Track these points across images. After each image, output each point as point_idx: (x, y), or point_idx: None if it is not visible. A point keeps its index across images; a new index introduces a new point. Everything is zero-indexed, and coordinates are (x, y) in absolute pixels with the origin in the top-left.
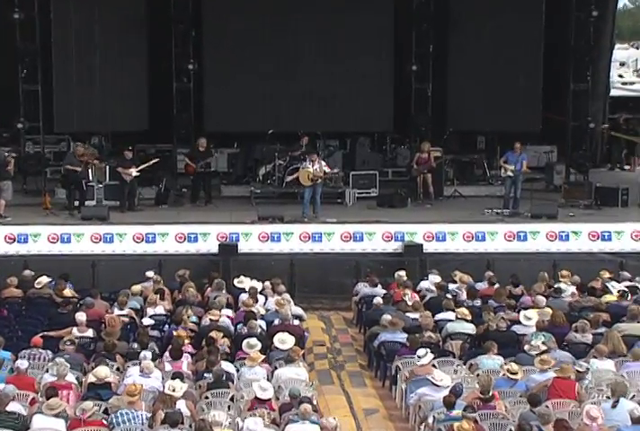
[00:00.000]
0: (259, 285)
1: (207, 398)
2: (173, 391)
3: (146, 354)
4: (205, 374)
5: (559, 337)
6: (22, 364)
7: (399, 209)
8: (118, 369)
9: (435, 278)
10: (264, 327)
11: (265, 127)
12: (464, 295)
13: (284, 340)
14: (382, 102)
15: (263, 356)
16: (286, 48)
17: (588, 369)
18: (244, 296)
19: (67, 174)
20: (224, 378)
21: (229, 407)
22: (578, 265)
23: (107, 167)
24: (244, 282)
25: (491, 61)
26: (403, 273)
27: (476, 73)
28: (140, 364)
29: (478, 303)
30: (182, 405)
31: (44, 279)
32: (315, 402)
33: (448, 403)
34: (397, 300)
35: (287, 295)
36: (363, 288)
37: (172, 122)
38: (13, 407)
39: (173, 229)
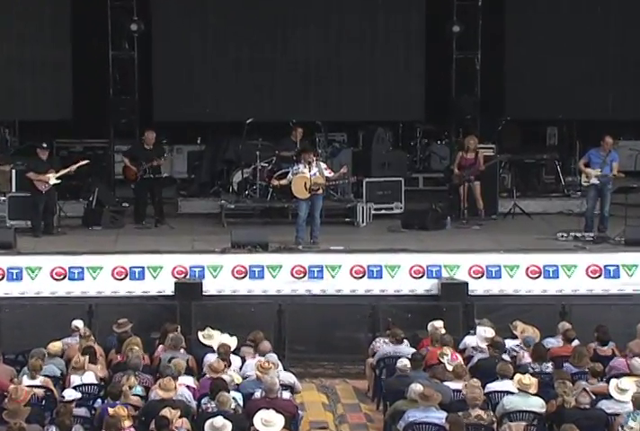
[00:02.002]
0: (233, 342)
1: None
2: None
3: None
4: None
5: None
6: None
7: (434, 233)
8: None
9: (486, 332)
10: (240, 401)
11: (242, 114)
12: (528, 357)
13: (269, 421)
14: (409, 79)
15: None
16: (272, 5)
17: None
18: (211, 358)
19: None
20: None
21: None
22: None
23: (13, 172)
24: (212, 337)
25: (569, 20)
26: (439, 324)
27: (547, 37)
28: None
29: (549, 367)
30: None
31: None
32: None
33: None
34: (432, 363)
35: (273, 356)
36: (383, 346)
37: (106, 108)
38: None
39: (108, 261)
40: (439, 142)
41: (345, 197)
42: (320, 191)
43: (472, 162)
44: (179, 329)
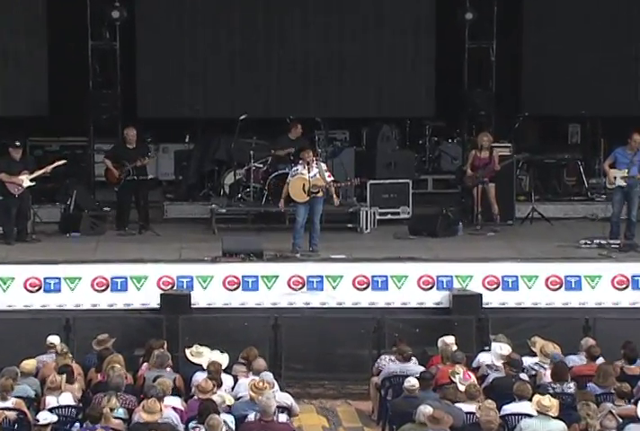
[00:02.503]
0: (224, 360)
1: None
2: None
3: None
4: None
5: None
6: None
7: (445, 240)
8: None
9: (502, 349)
10: (232, 425)
11: (234, 110)
12: (548, 376)
13: None
14: (417, 71)
15: None
16: None
17: None
18: (200, 377)
19: None
20: None
21: None
22: None
23: None
24: (202, 354)
25: (593, 7)
26: (451, 340)
27: (569, 26)
28: None
29: (571, 387)
30: None
31: None
32: None
33: None
34: (442, 382)
35: (268, 375)
36: (389, 364)
37: (85, 103)
38: None
39: (88, 271)
40: (449, 140)
41: (347, 201)
42: (320, 194)
43: (486, 162)
44: (165, 345)
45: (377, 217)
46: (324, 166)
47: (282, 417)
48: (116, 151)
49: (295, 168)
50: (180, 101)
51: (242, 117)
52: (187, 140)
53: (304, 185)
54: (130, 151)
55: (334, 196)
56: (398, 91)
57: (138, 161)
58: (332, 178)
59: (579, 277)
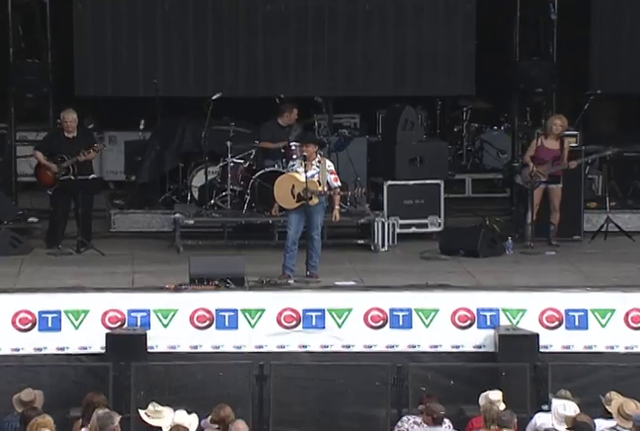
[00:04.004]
0: (192, 422)
1: None
2: None
3: None
4: None
5: None
6: None
7: (488, 261)
8: None
9: (566, 408)
10: None
11: (205, 88)
12: None
13: None
14: (452, 36)
15: None
16: None
17: None
18: None
19: None
20: None
21: None
22: None
23: None
24: (161, 415)
25: None
26: (497, 396)
27: None
28: None
29: None
30: None
31: None
32: None
33: None
34: None
35: None
36: (414, 428)
37: (5, 77)
38: None
39: (7, 303)
40: (495, 127)
41: (357, 209)
42: (313, 201)
43: (555, 155)
44: (110, 402)
45: (398, 231)
46: (329, 166)
47: None
48: (50, 141)
49: (291, 163)
50: (132, 74)
51: (215, 96)
52: (142, 127)
53: (293, 186)
54: (69, 141)
55: (336, 207)
56: (426, 61)
57: (80, 154)
58: (338, 183)
59: None
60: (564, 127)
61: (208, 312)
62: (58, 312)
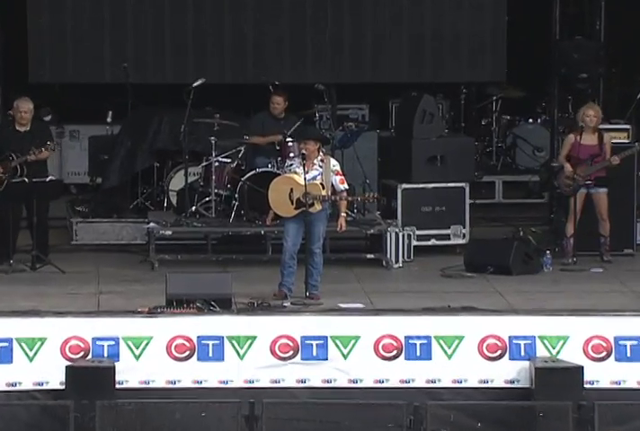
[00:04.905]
0: None
1: None
2: None
3: None
4: None
5: None
6: None
7: (522, 279)
8: None
9: None
10: None
11: (185, 74)
12: None
13: None
14: (480, 12)
15: None
16: None
17: None
18: None
19: None
20: None
21: None
22: None
23: None
24: None
25: None
26: None
27: None
28: None
29: None
30: None
31: None
32: None
33: None
34: None
35: None
36: None
37: None
38: None
39: None
40: (530, 120)
41: (366, 217)
42: (315, 208)
43: (594, 153)
44: None
45: (414, 243)
46: (334, 165)
47: None
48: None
49: (288, 163)
50: (96, 57)
51: (196, 83)
52: (109, 120)
53: (291, 190)
54: (20, 136)
55: (342, 215)
56: (448, 41)
57: (32, 152)
58: (345, 185)
59: None
60: (599, 117)
61: (189, 340)
62: (9, 341)
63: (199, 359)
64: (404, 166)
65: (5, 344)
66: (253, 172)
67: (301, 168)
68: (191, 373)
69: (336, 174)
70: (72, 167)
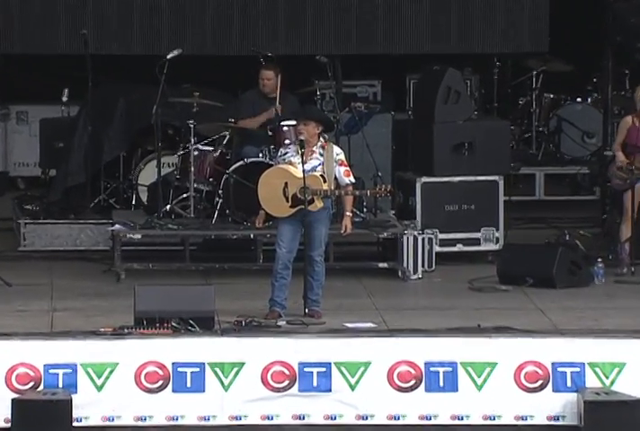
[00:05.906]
0: None
1: None
2: None
3: None
4: None
5: None
6: None
7: (568, 293)
8: None
9: None
10: None
11: (159, 44)
12: None
13: None
14: None
15: None
16: None
17: None
18: None
19: None
20: None
21: None
22: None
23: None
24: None
25: None
26: None
27: None
28: None
29: None
30: None
31: None
32: None
33: None
34: None
35: None
36: None
37: None
38: None
39: None
40: (579, 99)
41: (378, 218)
42: (316, 205)
43: None
44: None
45: (437, 249)
46: (338, 154)
47: None
48: None
49: (282, 151)
50: (49, 24)
51: (171, 54)
52: (65, 98)
53: (286, 184)
54: None
55: (347, 214)
56: (479, 4)
57: None
58: (351, 178)
59: None
60: None
61: (162, 367)
62: None
63: (174, 390)
64: (425, 156)
65: None
66: (240, 163)
67: (298, 157)
68: (165, 408)
69: (340, 165)
70: (19, 157)
